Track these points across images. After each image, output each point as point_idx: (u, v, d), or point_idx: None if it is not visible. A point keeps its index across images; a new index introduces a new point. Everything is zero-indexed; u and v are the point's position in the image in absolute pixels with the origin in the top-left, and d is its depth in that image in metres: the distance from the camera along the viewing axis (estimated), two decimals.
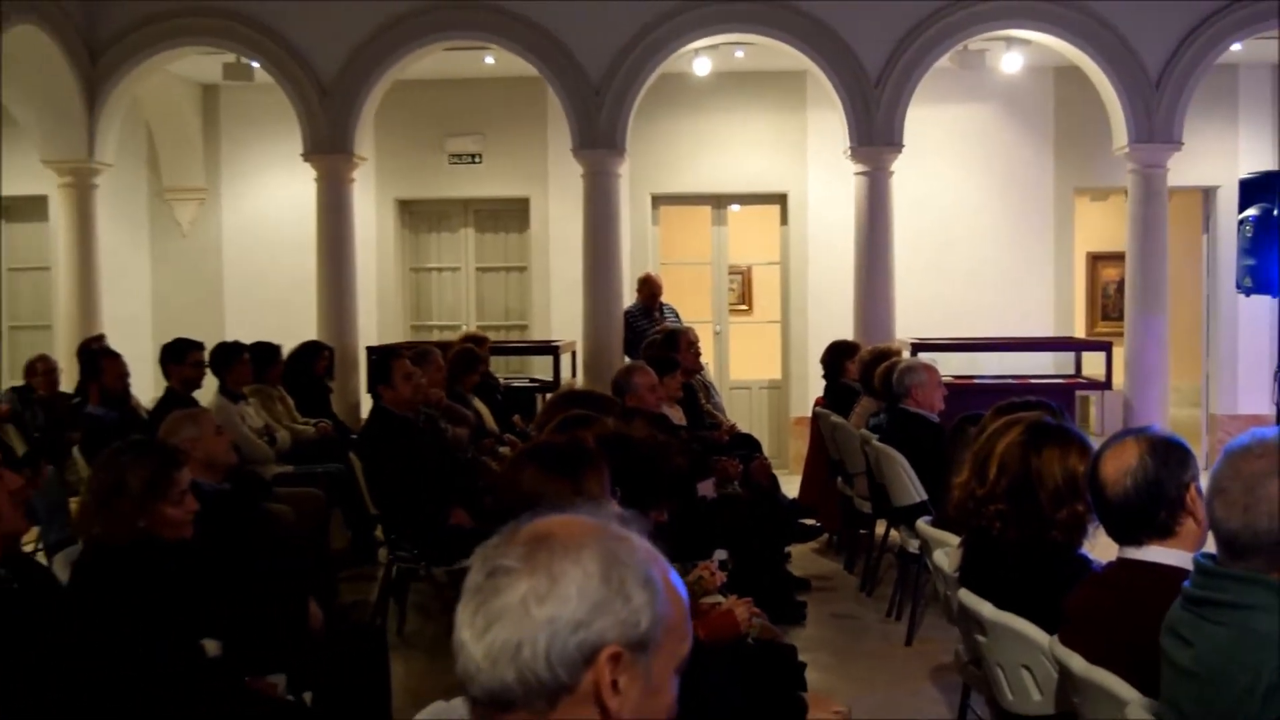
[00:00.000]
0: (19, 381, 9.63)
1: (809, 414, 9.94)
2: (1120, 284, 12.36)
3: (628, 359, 10.14)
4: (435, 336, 12.23)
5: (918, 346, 10.28)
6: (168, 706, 3.66)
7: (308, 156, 10.79)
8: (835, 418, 8.54)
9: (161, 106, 12.82)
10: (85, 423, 8.33)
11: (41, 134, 10.87)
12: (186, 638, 3.98)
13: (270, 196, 13.07)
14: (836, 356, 9.21)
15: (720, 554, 5.77)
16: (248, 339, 9.28)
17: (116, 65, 10.76)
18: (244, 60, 11.15)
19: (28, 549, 7.65)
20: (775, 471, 9.11)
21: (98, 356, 8.61)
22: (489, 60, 11.68)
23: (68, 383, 9.56)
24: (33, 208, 13.05)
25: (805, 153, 12.51)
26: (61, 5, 10.23)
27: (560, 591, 1.52)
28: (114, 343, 10.09)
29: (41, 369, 9.52)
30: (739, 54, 11.42)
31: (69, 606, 3.83)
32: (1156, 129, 10.23)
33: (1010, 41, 10.88)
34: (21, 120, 11.38)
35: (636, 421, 5.23)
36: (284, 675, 4.37)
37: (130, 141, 12.54)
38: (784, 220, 12.75)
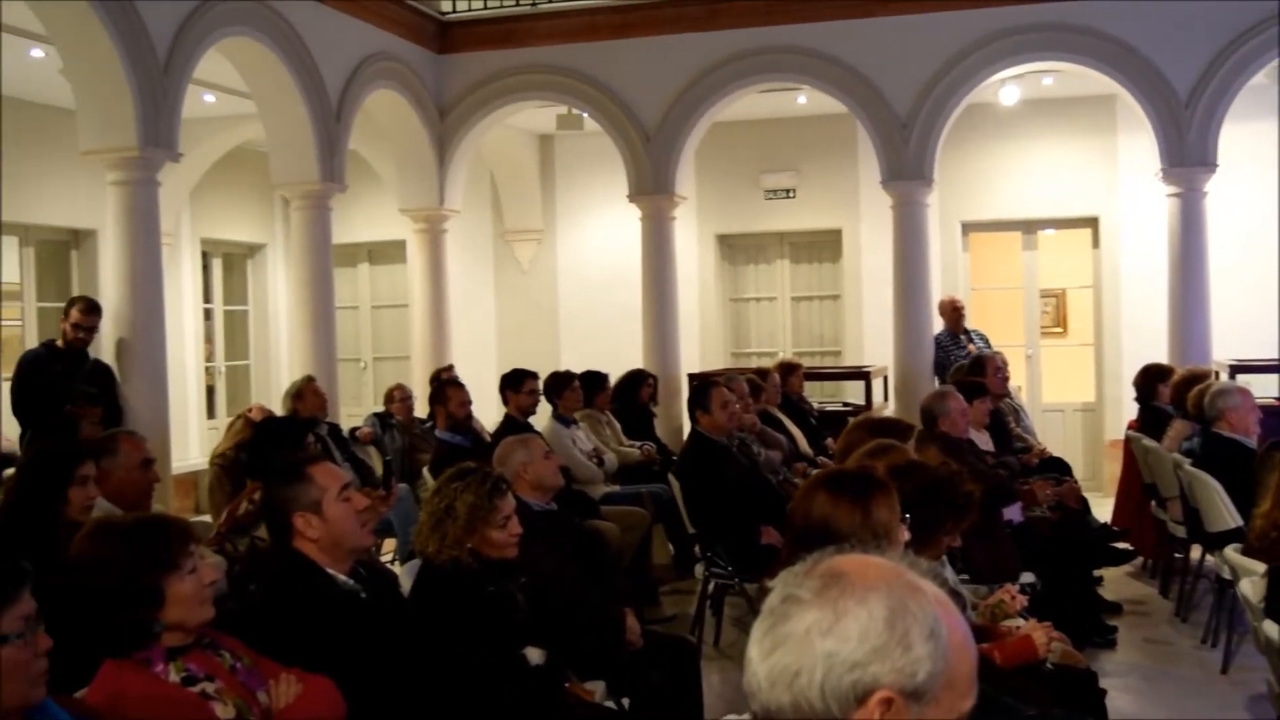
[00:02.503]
0: (381, 408, 10.45)
1: (1123, 436, 9.83)
2: None
3: (938, 383, 10.31)
4: (754, 363, 12.62)
5: (1235, 369, 9.98)
6: (494, 710, 3.94)
7: (633, 197, 11.37)
8: (1147, 441, 8.41)
9: (503, 156, 13.79)
10: (434, 445, 9.05)
11: (399, 185, 11.86)
12: (511, 647, 4.19)
13: (599, 235, 13.86)
14: (1149, 379, 9.06)
15: (1027, 577, 5.83)
16: (580, 367, 9.88)
17: (462, 121, 11.69)
18: (575, 111, 11.89)
19: (386, 558, 8.56)
20: (1090, 494, 9.03)
21: (445, 385, 9.23)
22: (801, 100, 12.10)
23: (423, 409, 10.30)
24: (393, 251, 14.33)
25: (1116, 176, 12.35)
26: (414, 69, 11.29)
27: (842, 629, 1.54)
28: (462, 371, 10.91)
29: (398, 396, 10.26)
30: (1047, 81, 11.40)
31: (408, 617, 4.02)
32: None
33: None
34: (382, 174, 12.57)
35: (929, 449, 5.46)
36: (603, 682, 4.63)
37: (475, 189, 13.53)
38: (1095, 243, 12.61)
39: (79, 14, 7.61)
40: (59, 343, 8.07)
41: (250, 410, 9.14)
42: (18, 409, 7.92)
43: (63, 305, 8.63)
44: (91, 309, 8.19)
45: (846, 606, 1.56)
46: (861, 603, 1.56)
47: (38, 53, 9.34)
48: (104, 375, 8.06)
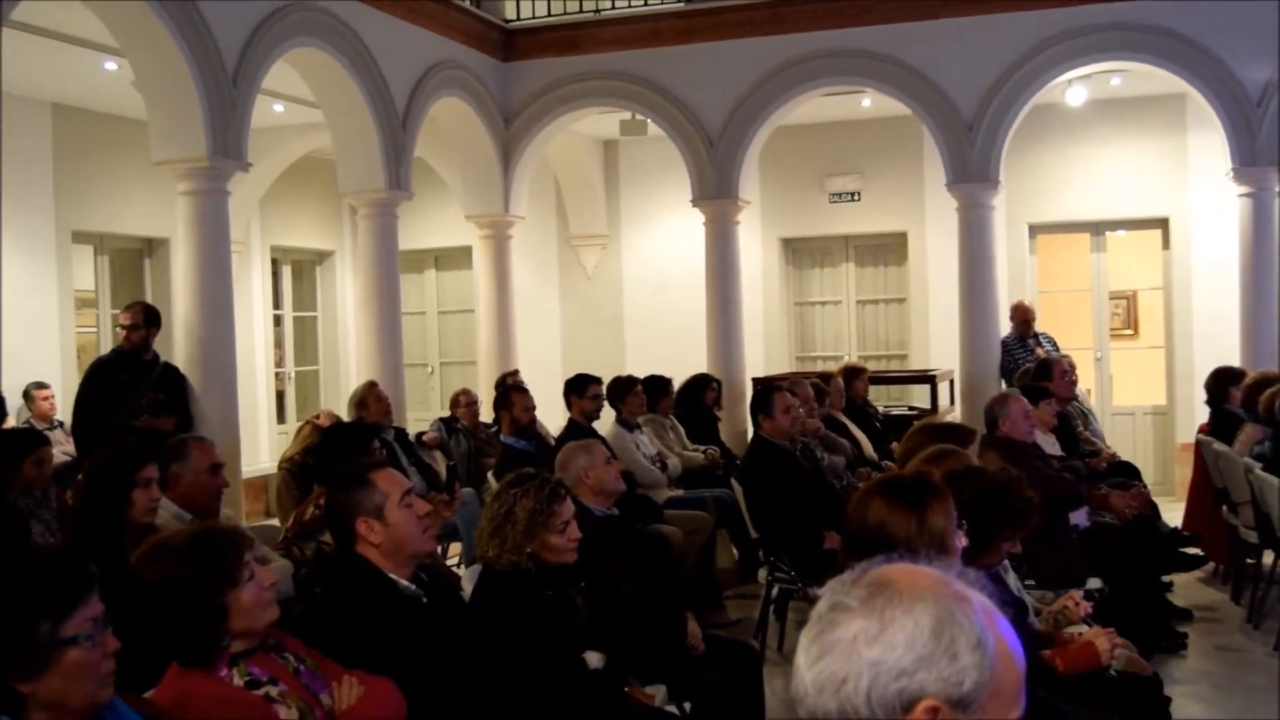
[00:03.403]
0: (447, 413, 10.56)
1: (1194, 440, 9.70)
2: None
3: (1004, 386, 10.22)
4: (819, 367, 12.59)
5: None
6: (554, 714, 3.96)
7: (696, 202, 11.38)
8: (1218, 445, 8.32)
9: (567, 162, 13.87)
10: (499, 450, 9.08)
11: (465, 192, 11.94)
12: (570, 651, 4.21)
13: (664, 240, 13.88)
14: (1220, 382, 8.94)
15: (1093, 582, 5.80)
16: (644, 372, 9.87)
17: (527, 128, 11.77)
18: (638, 116, 11.90)
19: (452, 562, 8.63)
20: (1161, 499, 8.92)
21: (509, 390, 9.25)
22: (866, 102, 12.06)
23: (488, 413, 10.29)
24: (459, 257, 14.49)
25: (1186, 176, 12.19)
26: (479, 77, 11.38)
27: (888, 637, 1.55)
28: (528, 376, 11.02)
29: (464, 401, 10.39)
30: (1115, 81, 11.29)
31: (468, 621, 4.05)
32: None
33: None
34: (448, 181, 12.68)
35: (988, 455, 5.42)
36: (664, 686, 4.64)
37: (540, 195, 13.64)
38: (1165, 244, 12.45)
39: (150, 27, 7.75)
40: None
41: (318, 416, 9.25)
42: (81, 415, 8.00)
43: None
44: (133, 309, 8.26)
45: (893, 615, 1.57)
46: (908, 611, 1.57)
47: (111, 65, 9.55)
48: (173, 380, 8.17)
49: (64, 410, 10.27)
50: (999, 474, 4.53)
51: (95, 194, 11.37)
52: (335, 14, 9.28)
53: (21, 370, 10.07)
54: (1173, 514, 9.32)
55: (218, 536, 3.26)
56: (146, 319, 8.14)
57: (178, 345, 8.65)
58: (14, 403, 9.73)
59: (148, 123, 8.27)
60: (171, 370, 8.25)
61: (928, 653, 1.54)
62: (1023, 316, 11.34)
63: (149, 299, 10.96)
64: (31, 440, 6.33)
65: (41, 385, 10.33)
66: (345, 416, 8.99)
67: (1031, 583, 5.21)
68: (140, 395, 7.71)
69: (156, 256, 12.17)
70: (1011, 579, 4.58)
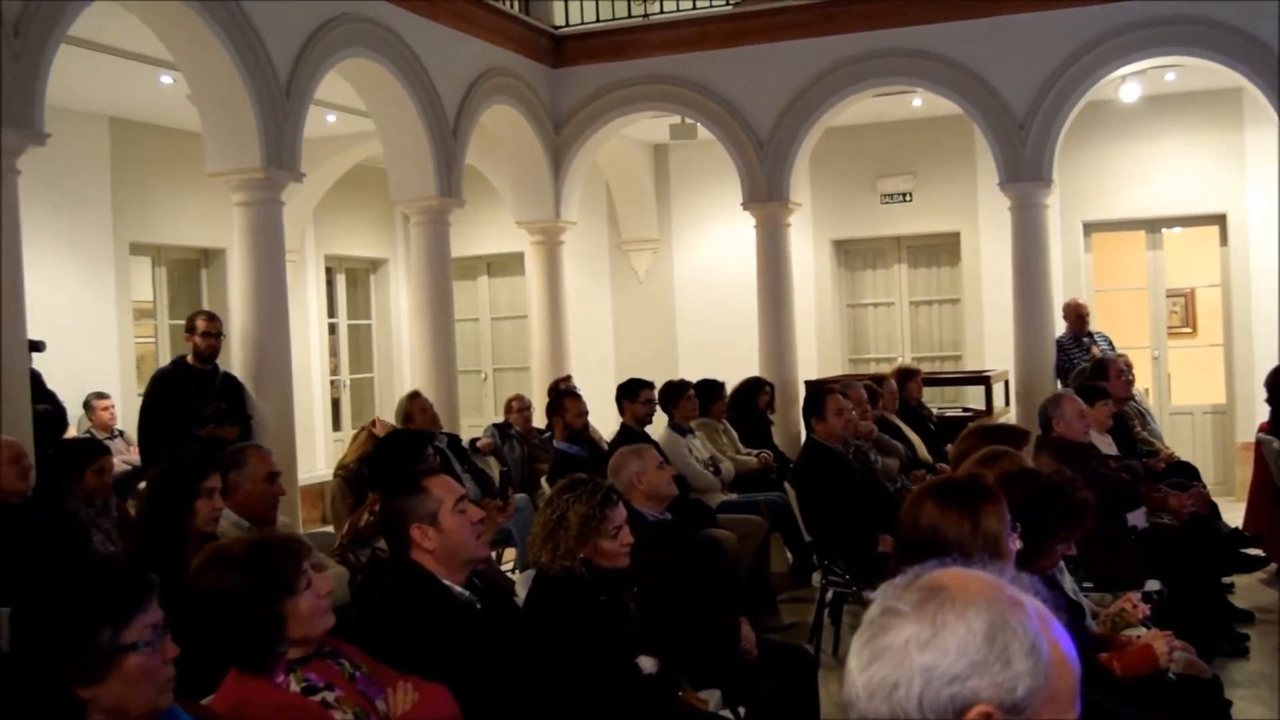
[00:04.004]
0: (501, 418, 10.60)
1: (1255, 439, 9.56)
2: None
3: (1060, 386, 10.12)
4: (872, 369, 12.53)
5: None
6: (608, 718, 3.99)
7: (747, 205, 11.33)
8: (1278, 444, 8.25)
9: (618, 167, 13.86)
10: (552, 455, 9.16)
11: (515, 199, 11.98)
12: (623, 656, 4.23)
13: (715, 243, 13.84)
14: None
15: (1152, 584, 5.72)
16: (697, 376, 9.90)
17: (578, 133, 11.79)
18: (688, 120, 11.89)
19: (507, 568, 8.67)
20: (1221, 499, 8.81)
21: (562, 396, 9.32)
22: (916, 102, 11.98)
23: (541, 419, 10.34)
24: (511, 263, 14.54)
25: (1244, 172, 12.02)
26: (528, 84, 11.43)
27: (941, 643, 1.54)
28: (581, 381, 11.02)
29: (516, 406, 10.49)
30: (1170, 76, 11.14)
31: (522, 626, 4.07)
32: None
33: None
34: (499, 188, 12.74)
35: (1042, 456, 5.39)
36: (718, 691, 4.63)
37: (591, 200, 13.64)
38: (1223, 241, 12.30)
39: (204, 41, 7.85)
40: (189, 359, 8.22)
41: (374, 423, 9.32)
42: (146, 427, 8.09)
43: None
44: (214, 317, 8.39)
45: (945, 620, 1.55)
46: (960, 617, 1.55)
47: (167, 79, 9.67)
48: (233, 389, 8.25)
49: (124, 420, 10.43)
50: (1053, 475, 4.50)
51: (152, 206, 11.53)
52: (385, 24, 9.36)
53: (82, 380, 10.24)
54: (1234, 514, 9.19)
55: (276, 545, 3.30)
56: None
57: (235, 354, 8.75)
58: (75, 413, 9.88)
59: (203, 135, 8.38)
60: (231, 380, 8.33)
61: (980, 659, 1.53)
62: (1076, 314, 11.21)
63: (206, 309, 11.07)
64: (92, 450, 6.45)
65: (101, 395, 10.48)
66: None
67: (1089, 585, 5.17)
68: (204, 405, 7.80)
69: (213, 267, 12.32)
70: (1068, 581, 4.54)
